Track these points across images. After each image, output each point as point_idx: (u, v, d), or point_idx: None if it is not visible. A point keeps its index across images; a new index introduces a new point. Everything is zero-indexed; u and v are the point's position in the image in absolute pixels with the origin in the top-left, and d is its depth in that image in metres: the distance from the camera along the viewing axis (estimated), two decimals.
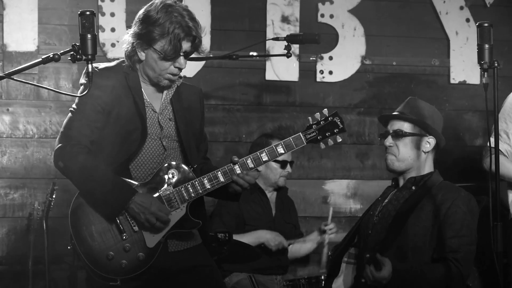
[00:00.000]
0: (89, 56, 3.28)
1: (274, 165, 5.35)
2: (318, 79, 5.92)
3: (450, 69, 6.06)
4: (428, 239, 4.13)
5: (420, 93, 5.95)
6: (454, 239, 4.09)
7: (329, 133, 3.81)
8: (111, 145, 3.70)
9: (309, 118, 3.81)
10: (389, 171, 4.37)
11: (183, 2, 5.35)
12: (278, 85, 5.88)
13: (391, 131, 4.32)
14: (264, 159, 3.77)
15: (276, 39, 5.11)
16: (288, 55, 5.04)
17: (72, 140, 3.68)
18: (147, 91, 3.81)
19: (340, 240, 4.63)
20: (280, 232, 5.34)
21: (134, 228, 3.68)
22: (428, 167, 4.33)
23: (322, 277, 5.05)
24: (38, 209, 5.27)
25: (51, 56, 3.28)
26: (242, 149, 5.78)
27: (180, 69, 3.76)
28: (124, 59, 3.80)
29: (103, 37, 5.56)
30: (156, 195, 3.71)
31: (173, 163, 3.76)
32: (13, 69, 3.39)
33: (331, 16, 5.91)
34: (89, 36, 3.28)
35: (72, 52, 3.29)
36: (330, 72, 5.92)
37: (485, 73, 3.75)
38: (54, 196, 5.26)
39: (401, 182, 4.35)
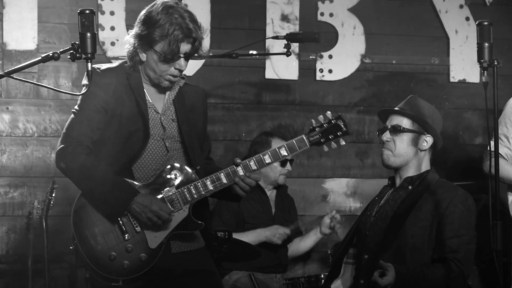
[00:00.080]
0: (89, 55, 3.28)
1: (274, 163, 5.35)
2: (317, 78, 5.92)
3: (449, 68, 6.06)
4: (426, 239, 4.12)
5: (420, 91, 5.95)
6: (453, 239, 4.09)
7: (332, 136, 3.80)
8: (113, 146, 3.70)
9: (313, 120, 3.81)
10: (384, 166, 4.36)
11: (182, 1, 5.35)
12: (277, 84, 5.88)
13: (389, 126, 4.32)
14: (267, 161, 3.77)
15: (276, 37, 5.12)
16: (287, 54, 5.05)
17: (74, 141, 3.68)
18: (150, 92, 3.81)
19: (341, 240, 4.63)
20: None
21: (136, 228, 3.68)
22: (424, 166, 4.32)
23: (322, 276, 5.06)
24: (38, 207, 5.26)
25: (51, 54, 3.28)
26: (241, 147, 5.78)
27: (181, 71, 3.75)
28: (127, 59, 3.79)
29: (102, 35, 5.55)
30: (159, 196, 3.70)
31: (176, 164, 3.75)
32: (13, 68, 3.39)
33: (331, 15, 5.91)
34: (88, 34, 3.28)
35: (71, 51, 3.29)
36: (330, 71, 5.92)
37: (485, 71, 3.74)
38: (53, 195, 5.26)
39: (398, 181, 4.33)
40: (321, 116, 3.81)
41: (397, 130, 4.28)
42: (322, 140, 3.80)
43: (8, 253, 5.48)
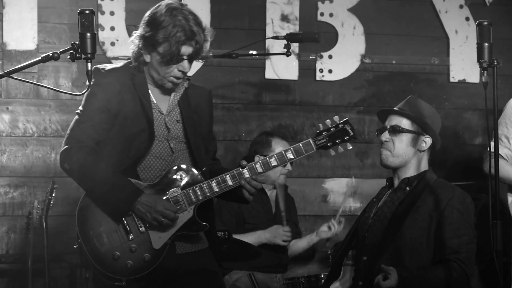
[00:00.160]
0: (89, 55, 3.29)
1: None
2: (317, 78, 5.92)
3: (449, 68, 6.07)
4: (425, 240, 4.12)
5: (420, 91, 5.95)
6: (453, 239, 4.08)
7: (339, 140, 3.79)
8: (117, 147, 3.69)
9: (320, 124, 3.80)
10: (382, 166, 4.36)
11: (182, 1, 5.35)
12: (277, 84, 5.88)
13: (388, 126, 4.31)
14: (273, 164, 3.76)
15: (276, 37, 5.12)
16: (287, 54, 5.04)
17: (78, 142, 3.67)
18: (154, 93, 3.80)
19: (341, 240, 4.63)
20: None
21: (140, 229, 3.68)
22: (422, 167, 4.31)
23: (322, 276, 5.05)
24: (38, 207, 5.26)
25: (51, 54, 3.29)
26: (241, 147, 5.78)
27: (184, 73, 3.74)
28: (131, 59, 3.78)
29: (102, 35, 5.55)
30: (164, 197, 3.70)
31: (182, 165, 3.74)
32: (13, 68, 3.39)
33: (331, 15, 5.91)
34: (88, 34, 3.28)
35: (71, 51, 3.30)
36: (330, 71, 5.93)
37: (485, 71, 3.75)
38: (53, 195, 5.26)
39: (396, 182, 4.33)
40: (329, 120, 3.80)
41: (396, 130, 4.28)
42: (328, 144, 3.79)
43: (8, 253, 5.48)
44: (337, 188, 5.97)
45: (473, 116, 6.13)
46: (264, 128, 5.81)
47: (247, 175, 3.74)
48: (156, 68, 3.71)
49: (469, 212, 4.17)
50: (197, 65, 5.57)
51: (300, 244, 5.51)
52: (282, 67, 5.83)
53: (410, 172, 4.29)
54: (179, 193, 3.71)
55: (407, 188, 4.26)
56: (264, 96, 5.89)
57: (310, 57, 5.90)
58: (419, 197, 4.19)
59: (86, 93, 3.70)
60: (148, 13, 3.74)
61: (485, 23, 3.78)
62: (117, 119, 3.70)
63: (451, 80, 6.07)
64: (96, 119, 3.68)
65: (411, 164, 4.29)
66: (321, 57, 5.91)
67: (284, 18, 5.83)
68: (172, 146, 3.78)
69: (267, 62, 5.83)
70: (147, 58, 3.71)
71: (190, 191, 3.71)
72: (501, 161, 4.86)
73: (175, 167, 3.74)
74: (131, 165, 3.71)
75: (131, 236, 3.67)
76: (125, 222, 3.67)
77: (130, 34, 5.46)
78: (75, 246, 3.74)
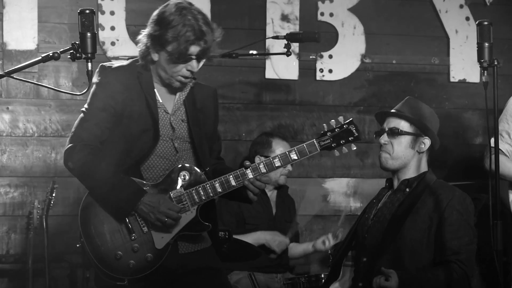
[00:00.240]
0: (89, 55, 3.28)
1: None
2: (318, 78, 5.92)
3: (450, 68, 6.06)
4: (425, 241, 4.11)
5: (420, 91, 5.95)
6: (454, 241, 4.07)
7: (343, 141, 3.76)
8: (121, 146, 3.69)
9: (324, 125, 3.78)
10: (382, 169, 4.35)
11: None
12: (277, 84, 5.88)
13: (387, 129, 4.30)
14: (277, 165, 3.75)
15: (276, 37, 5.11)
16: (288, 54, 5.04)
17: (82, 141, 3.66)
18: (160, 92, 3.79)
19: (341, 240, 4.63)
20: (280, 231, 5.34)
21: (143, 228, 3.67)
22: (422, 168, 4.30)
23: (322, 276, 5.05)
24: (38, 207, 5.26)
25: (51, 54, 3.28)
26: (241, 147, 5.78)
27: (192, 72, 3.73)
28: (138, 58, 3.76)
29: (102, 35, 5.55)
30: (167, 197, 3.69)
31: (186, 165, 3.73)
32: (13, 68, 3.39)
33: (331, 15, 5.91)
34: (88, 34, 3.28)
35: (71, 51, 3.29)
36: (330, 71, 5.93)
37: (485, 71, 3.75)
38: (54, 195, 5.26)
39: (395, 183, 4.32)
40: (333, 120, 3.78)
41: (394, 132, 4.26)
42: (333, 145, 3.76)
43: (9, 253, 5.48)
44: (337, 188, 5.97)
45: (473, 116, 6.12)
46: (264, 128, 5.81)
47: (250, 175, 3.73)
48: (164, 67, 3.70)
49: (469, 213, 4.17)
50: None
51: (296, 250, 5.50)
52: (282, 67, 5.83)
53: (409, 173, 4.28)
54: (182, 193, 3.70)
55: (407, 190, 4.25)
56: (264, 96, 5.89)
57: (310, 57, 5.90)
58: (419, 198, 4.18)
59: (91, 91, 3.70)
60: (156, 12, 3.72)
61: (486, 23, 3.78)
62: (122, 118, 3.69)
63: (451, 80, 6.07)
64: (101, 118, 3.68)
65: (411, 165, 4.28)
66: (321, 57, 5.91)
67: (284, 18, 5.83)
68: (176, 145, 3.77)
69: (267, 62, 5.83)
70: (155, 57, 3.70)
71: (193, 191, 3.70)
72: (502, 158, 4.86)
73: (178, 167, 3.73)
74: (135, 164, 3.71)
75: (133, 236, 3.66)
76: (128, 221, 3.66)
77: (130, 34, 5.56)
78: (77, 245, 3.74)
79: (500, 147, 4.96)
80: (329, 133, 3.77)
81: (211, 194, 3.72)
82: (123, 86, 3.70)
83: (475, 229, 4.18)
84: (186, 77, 3.73)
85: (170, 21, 3.64)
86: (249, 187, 3.74)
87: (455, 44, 6.05)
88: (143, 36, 3.73)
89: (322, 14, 5.91)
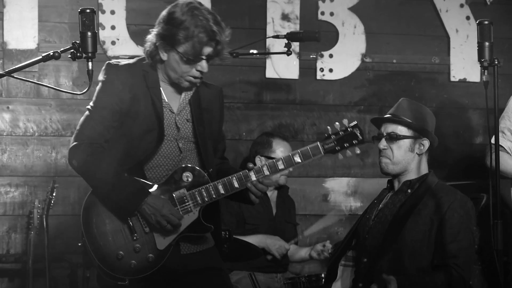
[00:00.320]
0: (89, 54, 3.28)
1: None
2: (318, 77, 5.92)
3: (450, 67, 6.06)
4: (425, 243, 4.11)
5: (420, 91, 5.96)
6: (453, 244, 4.06)
7: (347, 144, 3.74)
8: (126, 145, 3.67)
9: (328, 127, 3.75)
10: (383, 174, 4.34)
11: None
12: (278, 83, 5.88)
13: (385, 134, 4.28)
14: (280, 167, 3.74)
15: (276, 37, 5.11)
16: (288, 53, 5.04)
17: (87, 139, 3.65)
18: (166, 91, 3.76)
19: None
20: (280, 232, 5.33)
21: (145, 229, 3.66)
22: (422, 169, 4.29)
23: (322, 275, 5.05)
24: (38, 207, 5.27)
25: (51, 54, 3.28)
26: (242, 147, 5.78)
27: (202, 72, 3.71)
28: (145, 56, 3.74)
29: (103, 35, 5.55)
30: (169, 197, 3.69)
31: (189, 166, 3.72)
32: (13, 67, 3.39)
33: (331, 14, 5.91)
34: (89, 34, 3.27)
35: (72, 50, 3.29)
36: (330, 70, 5.92)
37: (485, 71, 3.74)
38: (54, 194, 5.26)
39: (396, 185, 4.31)
40: (337, 123, 3.74)
41: (393, 138, 4.25)
42: (337, 148, 3.74)
43: (9, 253, 5.48)
44: (337, 187, 5.97)
45: (473, 115, 6.12)
46: (265, 127, 5.81)
47: (253, 178, 3.71)
48: (174, 67, 3.68)
49: (469, 217, 4.16)
50: None
51: (295, 255, 5.49)
52: (283, 66, 5.83)
53: (411, 175, 4.27)
54: (185, 194, 3.69)
55: (409, 191, 4.24)
56: (265, 95, 5.89)
57: (311, 56, 5.90)
58: (421, 200, 4.17)
59: (97, 88, 3.69)
60: (166, 11, 3.69)
61: (486, 22, 3.77)
62: (127, 117, 3.67)
63: (452, 79, 6.07)
64: (106, 116, 3.66)
65: (412, 168, 4.27)
66: (322, 56, 5.91)
67: (285, 17, 5.83)
68: (180, 146, 3.76)
69: (268, 61, 5.83)
70: (164, 56, 3.67)
71: (196, 192, 3.69)
72: (504, 155, 4.87)
73: (182, 167, 3.71)
74: (138, 164, 3.69)
75: (135, 236, 3.65)
76: (130, 222, 3.65)
77: (130, 33, 5.57)
78: (79, 244, 3.73)
79: (502, 145, 4.96)
80: (333, 136, 3.74)
81: (214, 196, 3.70)
82: (129, 85, 3.68)
83: (474, 233, 4.18)
84: (195, 77, 3.70)
85: (182, 21, 3.61)
86: (251, 190, 3.73)
87: (455, 44, 6.05)
88: (151, 35, 3.70)
89: (322, 13, 5.91)
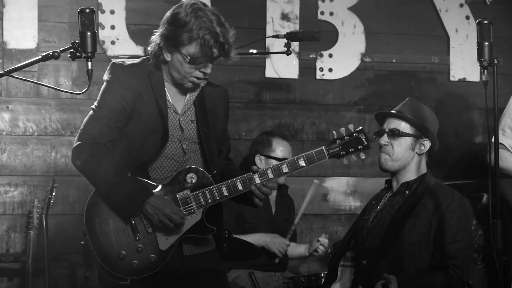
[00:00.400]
0: (89, 54, 3.28)
1: (274, 162, 5.34)
2: (318, 77, 5.92)
3: (450, 67, 6.06)
4: (424, 245, 4.10)
5: (420, 90, 5.96)
6: (451, 245, 4.06)
7: (352, 149, 3.75)
8: (130, 146, 3.67)
9: (334, 132, 3.76)
10: (381, 170, 4.34)
11: None
12: (278, 83, 5.88)
13: (387, 130, 4.28)
14: (284, 171, 3.73)
15: (276, 36, 5.11)
16: (288, 53, 5.03)
17: (90, 139, 3.64)
18: (171, 92, 3.76)
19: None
20: (279, 230, 5.34)
21: (148, 229, 3.66)
22: (421, 170, 4.28)
23: (322, 275, 5.05)
24: (38, 206, 5.27)
25: (51, 53, 3.28)
26: (241, 146, 5.78)
27: (205, 73, 3.70)
28: (149, 56, 3.73)
29: (102, 34, 5.55)
30: (173, 198, 3.68)
31: (193, 167, 3.71)
32: (13, 67, 3.39)
33: (331, 14, 5.91)
34: (88, 33, 3.27)
35: (71, 50, 3.29)
36: (330, 70, 5.93)
37: (485, 70, 3.74)
38: (54, 194, 5.26)
39: (394, 185, 4.30)
40: (343, 128, 3.75)
41: (395, 134, 4.24)
42: (342, 153, 3.74)
43: (8, 252, 5.48)
44: (337, 187, 5.97)
45: (473, 115, 6.12)
46: (264, 127, 5.81)
47: (257, 180, 3.71)
48: (178, 68, 3.67)
49: (468, 217, 4.16)
50: None
51: (294, 252, 5.49)
52: (283, 66, 5.84)
53: (409, 175, 4.26)
54: (188, 195, 3.68)
55: (407, 192, 4.23)
56: (265, 95, 5.89)
57: (310, 56, 5.90)
58: (419, 201, 4.16)
59: (102, 88, 3.69)
60: (170, 12, 3.69)
61: (486, 22, 3.77)
62: (131, 117, 3.67)
63: (451, 79, 6.07)
64: (110, 116, 3.65)
65: (410, 167, 4.26)
66: (321, 55, 5.91)
67: (284, 17, 5.83)
68: (184, 147, 3.75)
69: (267, 61, 5.83)
70: (168, 57, 3.67)
71: (200, 194, 3.69)
72: (505, 153, 4.87)
73: (186, 169, 3.71)
74: (142, 165, 3.69)
75: (138, 236, 3.65)
76: (133, 222, 3.65)
77: (130, 33, 5.57)
78: (81, 243, 3.73)
79: (503, 142, 4.97)
80: (338, 141, 3.74)
81: (218, 198, 3.70)
82: (134, 85, 3.68)
83: (473, 233, 4.18)
84: (199, 79, 3.70)
85: (186, 22, 3.60)
86: (255, 193, 3.72)
87: (455, 43, 6.05)
88: (155, 36, 3.69)
89: (322, 13, 5.91)
